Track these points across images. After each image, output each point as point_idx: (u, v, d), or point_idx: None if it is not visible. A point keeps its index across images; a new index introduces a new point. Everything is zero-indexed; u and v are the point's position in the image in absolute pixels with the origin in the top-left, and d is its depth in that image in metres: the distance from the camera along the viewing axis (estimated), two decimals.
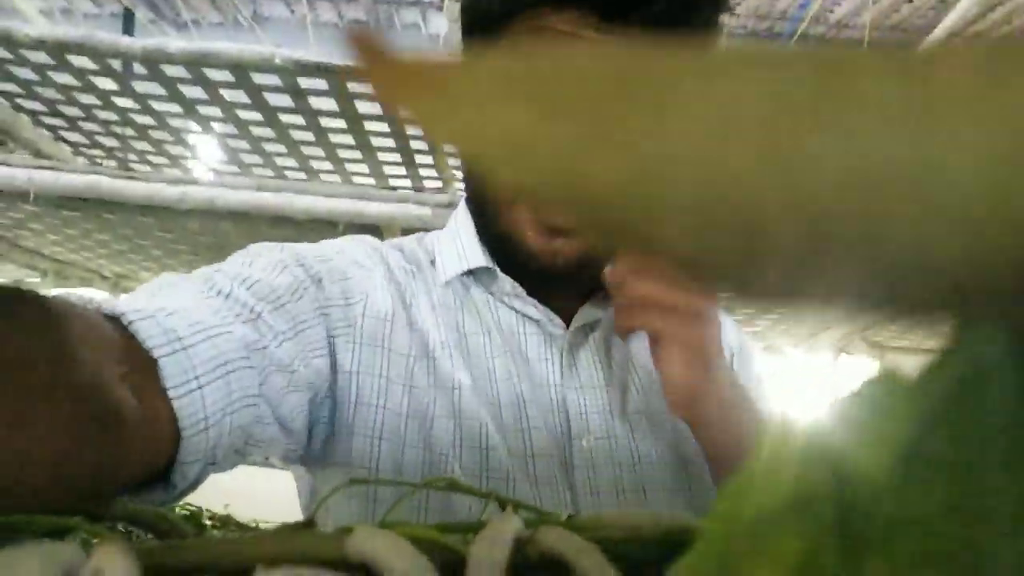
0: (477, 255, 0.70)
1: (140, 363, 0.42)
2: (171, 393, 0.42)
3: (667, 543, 0.24)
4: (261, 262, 0.61)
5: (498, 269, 0.69)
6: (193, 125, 2.00)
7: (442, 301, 0.69)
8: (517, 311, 0.70)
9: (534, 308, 0.69)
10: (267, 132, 1.91)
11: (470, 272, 0.70)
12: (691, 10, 0.62)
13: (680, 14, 0.61)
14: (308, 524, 0.26)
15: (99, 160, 2.24)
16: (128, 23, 4.64)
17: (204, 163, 2.27)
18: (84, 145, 2.17)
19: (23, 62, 1.73)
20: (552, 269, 0.65)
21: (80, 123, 2.03)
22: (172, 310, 0.47)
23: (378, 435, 0.61)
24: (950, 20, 2.73)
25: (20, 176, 1.50)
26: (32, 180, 1.48)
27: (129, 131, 2.06)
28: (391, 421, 0.61)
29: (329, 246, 0.69)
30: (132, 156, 2.21)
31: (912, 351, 2.81)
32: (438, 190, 1.91)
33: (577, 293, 0.72)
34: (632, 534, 0.25)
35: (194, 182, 1.68)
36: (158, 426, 0.41)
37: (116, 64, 1.74)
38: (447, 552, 0.24)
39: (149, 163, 2.22)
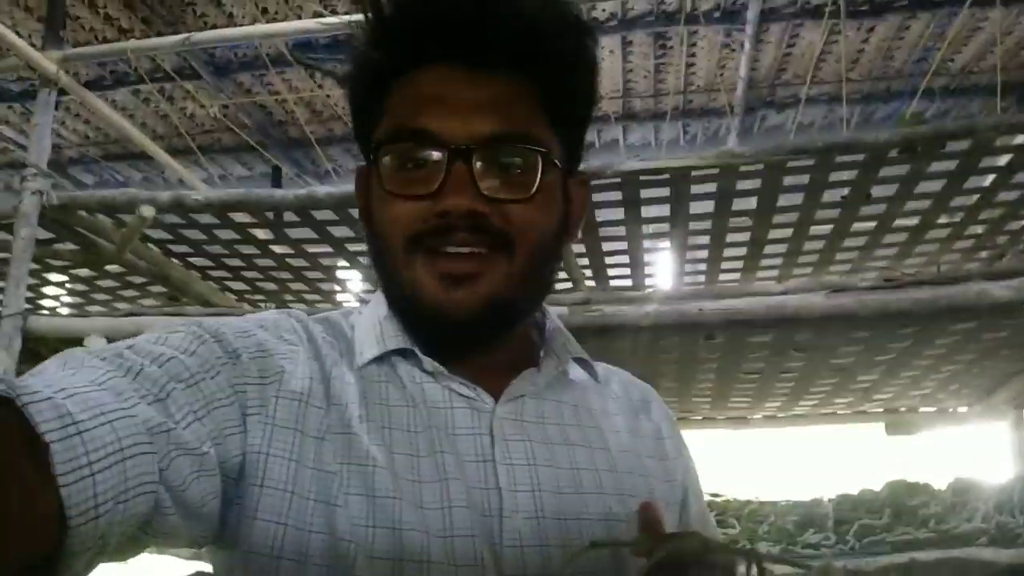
0: (395, 337, 0.66)
1: (30, 448, 0.40)
2: (60, 480, 0.41)
3: None
4: (176, 338, 0.59)
5: (417, 349, 0.66)
6: (341, 261, 2.17)
7: (367, 374, 0.66)
8: (444, 385, 0.66)
9: (462, 384, 0.66)
10: None
11: (396, 352, 0.66)
12: (550, 49, 0.64)
13: (540, 54, 0.64)
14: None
15: (260, 304, 2.44)
16: (276, 180, 5.11)
17: (352, 294, 2.43)
18: (246, 292, 2.38)
19: (192, 225, 1.95)
20: (454, 319, 0.62)
21: (242, 272, 2.24)
22: (73, 391, 0.46)
23: (283, 520, 0.57)
24: None
25: None
26: None
27: (285, 274, 2.25)
28: (298, 506, 0.58)
29: (253, 320, 0.66)
30: (289, 296, 2.40)
31: None
32: (570, 290, 1.96)
33: (504, 368, 0.68)
34: None
35: (346, 313, 1.80)
36: (44, 514, 0.39)
37: (271, 216, 1.93)
38: None
39: (305, 300, 2.40)
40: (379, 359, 0.67)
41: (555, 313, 0.76)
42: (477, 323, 0.63)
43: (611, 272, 2.08)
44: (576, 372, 0.73)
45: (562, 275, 2.02)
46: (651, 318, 1.51)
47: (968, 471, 1.92)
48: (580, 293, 1.73)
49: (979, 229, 1.95)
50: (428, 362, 0.66)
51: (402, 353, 0.67)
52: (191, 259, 2.16)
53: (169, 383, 0.54)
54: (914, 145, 1.55)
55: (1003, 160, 1.65)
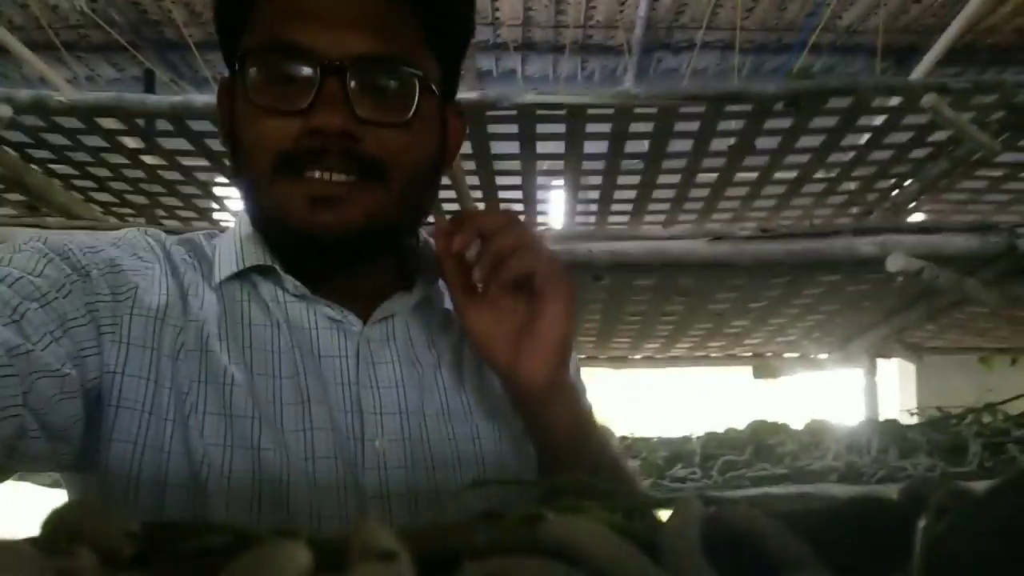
0: (255, 253, 0.64)
1: None
2: None
3: (844, 517, 0.24)
4: (20, 258, 0.57)
5: (278, 267, 0.64)
6: (219, 177, 2.05)
7: (228, 293, 0.64)
8: (311, 305, 0.65)
9: (327, 306, 0.65)
10: None
11: (256, 269, 0.65)
12: None
13: None
14: (495, 515, 0.25)
15: (129, 218, 2.29)
16: (149, 85, 4.77)
17: (232, 213, 2.32)
18: (114, 204, 2.22)
19: (54, 128, 1.79)
20: (321, 243, 0.60)
21: (109, 183, 2.09)
22: None
23: (140, 441, 0.56)
24: (962, 17, 2.72)
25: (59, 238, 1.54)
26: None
27: (157, 187, 2.11)
28: (154, 426, 0.57)
29: (105, 237, 0.64)
30: (161, 212, 2.26)
31: (949, 351, 2.77)
32: None
33: (373, 291, 0.67)
34: (809, 510, 0.25)
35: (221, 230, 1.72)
36: None
37: (142, 123, 1.80)
38: (635, 538, 0.23)
39: (178, 217, 2.27)
40: (241, 278, 0.64)
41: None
42: (345, 248, 0.61)
43: (504, 206, 2.07)
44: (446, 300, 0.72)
45: (455, 207, 1.99)
46: None
47: (825, 414, 2.08)
48: None
49: (852, 186, 2.06)
50: (290, 282, 0.64)
51: (265, 272, 0.65)
52: (53, 166, 1.99)
53: (22, 304, 0.52)
54: (799, 99, 1.60)
55: (878, 120, 1.73)
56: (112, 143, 1.86)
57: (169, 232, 0.70)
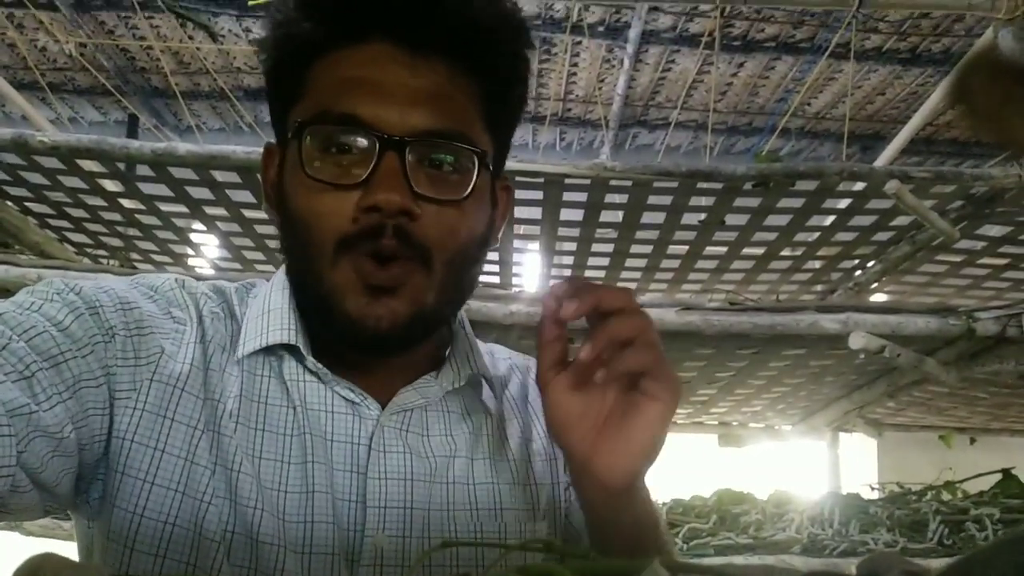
0: (280, 330, 0.62)
1: None
2: None
3: None
4: (50, 308, 0.56)
5: (302, 346, 0.62)
6: (197, 224, 2.06)
7: (250, 366, 0.62)
8: (330, 387, 0.63)
9: (349, 389, 0.62)
10: (271, 230, 1.96)
11: (284, 344, 0.62)
12: (495, 45, 0.61)
13: (485, 49, 0.60)
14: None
15: (103, 259, 2.28)
16: (132, 130, 4.79)
17: (207, 260, 2.32)
18: (88, 245, 2.22)
19: (34, 168, 1.79)
20: (375, 335, 0.58)
21: (86, 224, 2.08)
22: None
23: (139, 511, 0.56)
24: (923, 111, 2.86)
25: (30, 275, 1.53)
26: (42, 279, 1.51)
27: (134, 231, 2.11)
28: (156, 497, 0.56)
29: (142, 288, 0.62)
30: (136, 255, 2.26)
31: (909, 428, 2.81)
32: None
33: (399, 371, 0.65)
34: None
35: (198, 277, 1.72)
36: None
37: (123, 167, 1.81)
38: None
39: (153, 261, 2.27)
40: (268, 352, 0.63)
41: (464, 316, 0.72)
42: (394, 339, 0.59)
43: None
44: (476, 382, 0.70)
45: None
46: (515, 317, 1.54)
47: (788, 484, 2.10)
48: None
49: (816, 264, 2.12)
50: (311, 362, 0.62)
51: (291, 348, 0.63)
52: (29, 204, 1.99)
53: (35, 362, 0.52)
54: (767, 180, 1.66)
55: (843, 204, 1.80)
56: (91, 185, 1.87)
57: (200, 279, 0.69)
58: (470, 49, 0.60)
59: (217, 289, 0.67)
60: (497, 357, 0.76)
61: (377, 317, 0.57)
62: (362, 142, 0.57)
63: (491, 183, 0.64)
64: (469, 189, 0.59)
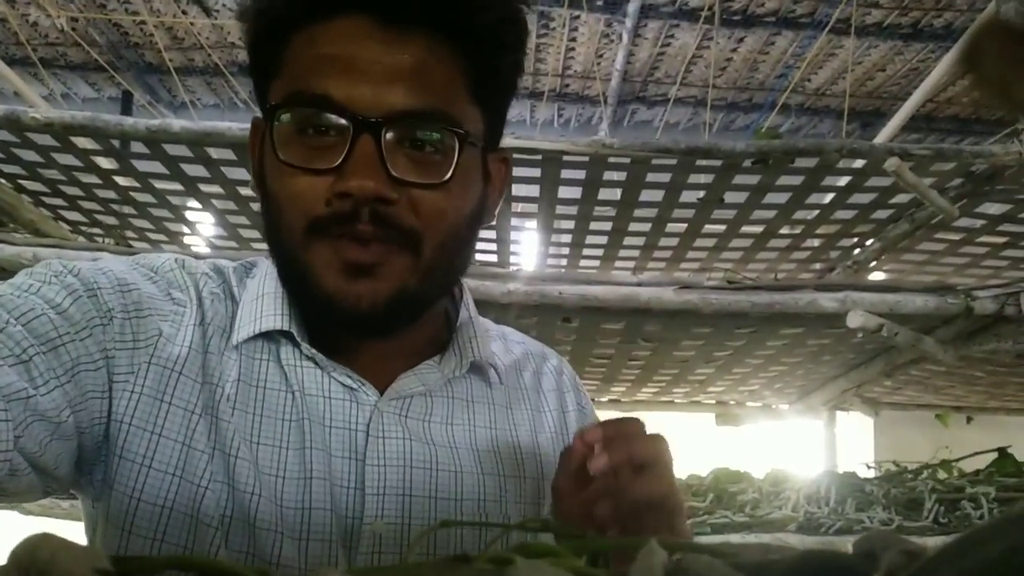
0: (273, 316, 0.61)
1: None
2: None
3: (802, 571, 0.25)
4: (49, 290, 0.56)
5: (296, 332, 0.61)
6: (192, 202, 2.05)
7: (248, 350, 0.62)
8: (328, 372, 0.62)
9: (346, 376, 0.62)
10: None
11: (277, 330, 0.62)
12: (480, 11, 0.58)
13: (462, 20, 0.57)
14: (465, 559, 0.26)
15: (98, 238, 2.27)
16: (126, 106, 4.75)
17: (203, 238, 2.31)
18: (83, 224, 2.20)
19: (27, 145, 1.78)
20: (354, 314, 0.57)
21: (80, 202, 2.07)
22: None
23: (137, 495, 0.55)
24: (924, 87, 2.84)
25: (25, 254, 1.52)
26: (37, 257, 1.50)
27: (129, 209, 2.10)
28: (154, 480, 0.55)
29: (143, 268, 0.62)
30: (131, 233, 2.24)
31: (906, 407, 2.82)
32: None
33: (400, 357, 0.64)
34: (770, 559, 0.26)
35: (195, 256, 1.71)
36: None
37: (117, 144, 1.79)
38: None
39: (148, 239, 2.26)
40: (266, 336, 0.62)
41: (470, 298, 0.70)
42: (375, 319, 0.58)
43: (477, 247, 2.09)
44: (480, 365, 0.68)
45: None
46: (513, 296, 1.53)
47: (785, 463, 2.10)
48: None
49: (815, 243, 2.11)
50: (307, 348, 0.61)
51: (285, 333, 0.62)
52: (23, 182, 1.97)
53: (32, 346, 0.52)
54: (767, 157, 1.65)
55: (843, 181, 1.79)
56: (85, 162, 1.85)
57: (197, 258, 0.68)
58: (452, 17, 0.57)
59: (217, 268, 0.66)
60: (511, 340, 0.75)
61: (356, 296, 0.56)
62: (336, 125, 0.55)
63: (481, 158, 0.61)
64: (451, 171, 0.56)
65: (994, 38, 0.30)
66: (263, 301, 0.63)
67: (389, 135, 0.55)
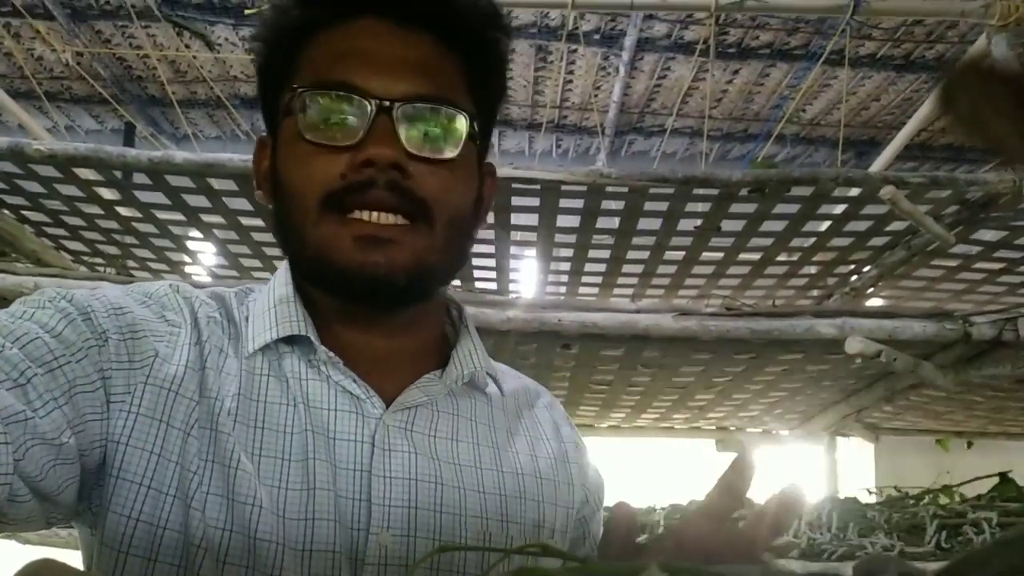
0: (289, 322, 0.62)
1: None
2: None
3: None
4: (43, 315, 0.56)
5: (313, 336, 0.62)
6: (194, 232, 2.06)
7: (248, 366, 0.62)
8: (333, 384, 0.62)
9: (353, 383, 0.62)
10: (268, 237, 1.96)
11: (287, 340, 0.63)
12: (474, 27, 0.64)
13: (466, 29, 0.64)
14: None
15: (100, 268, 2.28)
16: (129, 138, 4.78)
17: (204, 267, 2.32)
18: (85, 254, 2.21)
19: (31, 176, 1.79)
20: (370, 283, 0.58)
21: (82, 232, 2.09)
22: None
23: (134, 515, 0.55)
24: (917, 117, 2.87)
25: (27, 283, 1.53)
26: (38, 287, 1.51)
27: (130, 239, 2.11)
28: (152, 500, 0.56)
29: (136, 293, 0.63)
30: (132, 263, 2.26)
31: (906, 432, 2.81)
32: None
33: (406, 366, 0.65)
34: None
35: (196, 285, 1.72)
36: None
37: (120, 175, 1.81)
38: None
39: (150, 269, 2.27)
40: (267, 349, 0.62)
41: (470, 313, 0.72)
42: (394, 286, 0.59)
43: (477, 274, 2.10)
44: (481, 381, 0.70)
45: None
46: (512, 323, 1.54)
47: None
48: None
49: (812, 270, 2.13)
50: (323, 351, 0.62)
51: (292, 342, 0.62)
52: (26, 213, 1.99)
53: (29, 368, 0.52)
54: (763, 186, 1.67)
55: (839, 209, 1.81)
56: (88, 193, 1.87)
57: (197, 286, 0.69)
58: (453, 27, 0.63)
59: (215, 295, 0.67)
60: (507, 375, 0.76)
61: (374, 264, 0.58)
62: (355, 108, 0.59)
63: (477, 156, 0.66)
64: (459, 150, 0.61)
65: (970, 79, 0.31)
66: (277, 311, 0.64)
67: (403, 117, 0.59)
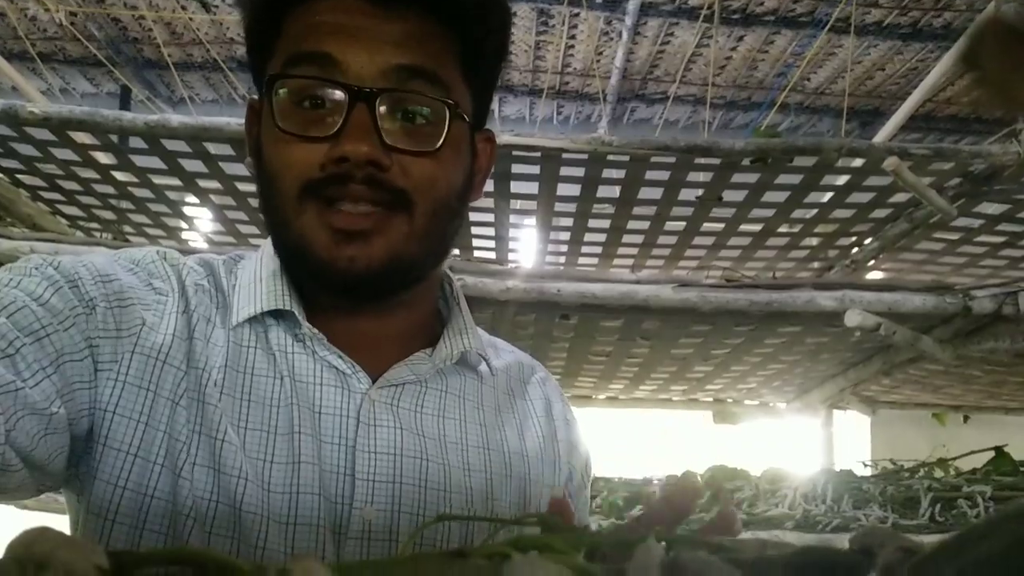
0: (273, 295, 0.62)
1: None
2: None
3: (799, 566, 0.25)
4: (29, 282, 0.56)
5: (298, 312, 0.62)
6: (190, 197, 2.05)
7: (236, 337, 0.62)
8: (319, 358, 0.62)
9: (339, 358, 0.62)
10: None
11: (273, 313, 0.62)
12: (470, 2, 0.61)
13: (460, 4, 0.60)
14: (461, 554, 0.26)
15: (95, 232, 2.26)
16: (125, 101, 4.74)
17: (201, 233, 2.30)
18: (81, 218, 2.20)
19: (25, 139, 1.77)
20: (345, 277, 0.58)
21: (78, 197, 2.07)
22: None
23: (121, 483, 0.55)
24: (923, 87, 2.84)
25: (23, 248, 1.52)
26: (34, 251, 1.50)
27: (127, 204, 2.10)
28: (139, 469, 0.56)
29: (123, 260, 0.62)
30: (129, 228, 2.24)
31: (903, 406, 2.83)
32: None
33: (394, 345, 0.64)
34: (767, 555, 0.26)
35: (191, 251, 1.70)
36: None
37: (116, 139, 1.79)
38: None
39: (146, 235, 2.25)
40: (254, 321, 0.62)
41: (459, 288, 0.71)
42: (370, 281, 0.58)
43: (476, 243, 2.09)
44: (472, 360, 0.69)
45: None
46: (511, 293, 1.53)
47: (782, 461, 2.11)
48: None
49: (813, 241, 2.11)
50: (307, 328, 0.61)
51: (279, 315, 0.62)
52: (20, 176, 1.97)
53: (17, 338, 0.51)
54: (766, 156, 1.65)
55: (841, 180, 1.79)
56: (84, 157, 1.85)
57: (185, 252, 0.68)
58: (432, 2, 0.60)
59: (204, 262, 0.66)
60: (501, 349, 0.75)
61: (349, 258, 0.58)
62: (333, 94, 0.57)
63: (469, 133, 0.64)
64: (442, 140, 0.59)
65: (994, 37, 0.30)
66: (263, 283, 0.63)
67: (383, 106, 0.57)
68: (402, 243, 0.59)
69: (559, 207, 1.89)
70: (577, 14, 4.16)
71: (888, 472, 2.11)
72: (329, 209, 0.57)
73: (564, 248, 2.15)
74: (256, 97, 0.64)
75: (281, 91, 0.58)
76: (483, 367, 0.70)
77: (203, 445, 0.57)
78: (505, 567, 0.24)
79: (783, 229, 2.03)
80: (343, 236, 0.57)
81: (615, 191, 1.79)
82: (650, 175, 1.72)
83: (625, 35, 4.26)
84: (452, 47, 0.61)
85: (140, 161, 1.85)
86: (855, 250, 2.13)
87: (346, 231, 0.57)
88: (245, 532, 0.55)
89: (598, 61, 4.57)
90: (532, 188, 1.81)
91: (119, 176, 1.94)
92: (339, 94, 0.57)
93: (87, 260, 0.60)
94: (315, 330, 0.62)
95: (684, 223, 1.97)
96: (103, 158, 1.89)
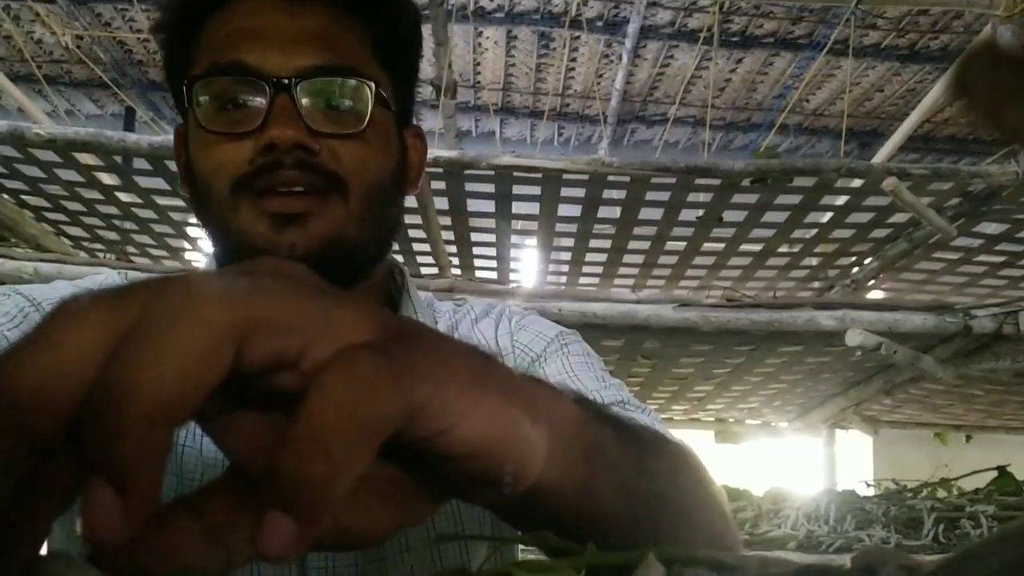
0: None
1: None
2: None
3: None
4: (8, 303, 0.58)
5: None
6: (193, 218, 2.06)
7: None
8: None
9: None
10: None
11: None
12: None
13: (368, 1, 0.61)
14: (464, 573, 0.26)
15: (99, 253, 2.27)
16: (129, 122, 4.77)
17: (203, 253, 2.31)
18: (85, 239, 2.21)
19: (30, 160, 1.79)
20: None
21: (82, 217, 2.08)
22: None
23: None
24: (921, 108, 2.86)
25: (26, 268, 1.53)
26: (37, 271, 1.51)
27: (130, 224, 2.11)
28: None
29: (86, 287, 0.62)
30: (132, 248, 2.25)
31: (905, 425, 2.82)
32: (436, 276, 1.96)
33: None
34: (769, 573, 0.26)
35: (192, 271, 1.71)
36: None
37: (120, 160, 1.80)
38: None
39: (149, 255, 2.26)
40: None
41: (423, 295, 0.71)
42: (313, 267, 0.59)
43: (478, 263, 2.10)
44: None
45: (429, 261, 2.01)
46: None
47: (784, 481, 2.10)
48: (446, 280, 1.73)
49: (813, 261, 2.12)
50: None
51: None
52: (25, 197, 1.98)
53: None
54: (765, 176, 1.66)
55: (841, 200, 1.80)
56: (88, 178, 1.86)
57: (148, 272, 0.69)
58: None
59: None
60: (475, 306, 0.73)
61: (289, 244, 0.57)
62: (252, 90, 0.58)
63: (395, 124, 0.64)
64: (366, 121, 0.59)
65: (984, 64, 0.31)
66: None
67: (304, 96, 0.58)
68: (340, 225, 0.59)
69: (560, 227, 1.90)
70: (578, 37, 4.19)
71: (891, 492, 2.10)
72: (263, 199, 0.57)
73: (565, 268, 2.16)
74: (181, 122, 0.65)
75: (203, 99, 0.59)
76: None
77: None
78: None
79: (783, 249, 2.04)
80: (280, 221, 0.57)
81: (616, 212, 1.80)
82: (650, 196, 1.73)
83: (625, 58, 4.29)
84: (366, 37, 0.62)
85: (144, 182, 1.86)
86: (855, 270, 2.14)
87: (283, 215, 0.57)
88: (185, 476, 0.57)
89: (598, 83, 4.60)
90: (533, 209, 1.82)
91: (123, 197, 1.96)
92: (259, 89, 0.57)
93: (56, 287, 0.62)
94: None
95: (684, 243, 1.98)
96: (107, 179, 1.90)
